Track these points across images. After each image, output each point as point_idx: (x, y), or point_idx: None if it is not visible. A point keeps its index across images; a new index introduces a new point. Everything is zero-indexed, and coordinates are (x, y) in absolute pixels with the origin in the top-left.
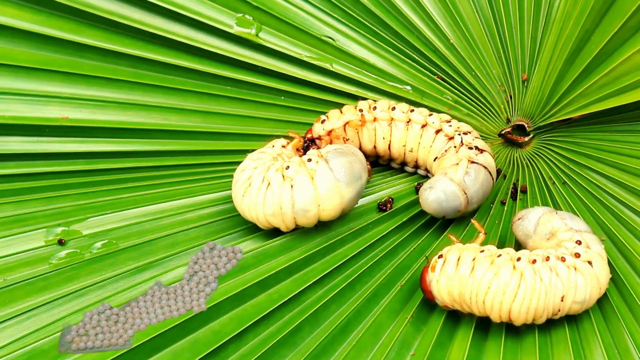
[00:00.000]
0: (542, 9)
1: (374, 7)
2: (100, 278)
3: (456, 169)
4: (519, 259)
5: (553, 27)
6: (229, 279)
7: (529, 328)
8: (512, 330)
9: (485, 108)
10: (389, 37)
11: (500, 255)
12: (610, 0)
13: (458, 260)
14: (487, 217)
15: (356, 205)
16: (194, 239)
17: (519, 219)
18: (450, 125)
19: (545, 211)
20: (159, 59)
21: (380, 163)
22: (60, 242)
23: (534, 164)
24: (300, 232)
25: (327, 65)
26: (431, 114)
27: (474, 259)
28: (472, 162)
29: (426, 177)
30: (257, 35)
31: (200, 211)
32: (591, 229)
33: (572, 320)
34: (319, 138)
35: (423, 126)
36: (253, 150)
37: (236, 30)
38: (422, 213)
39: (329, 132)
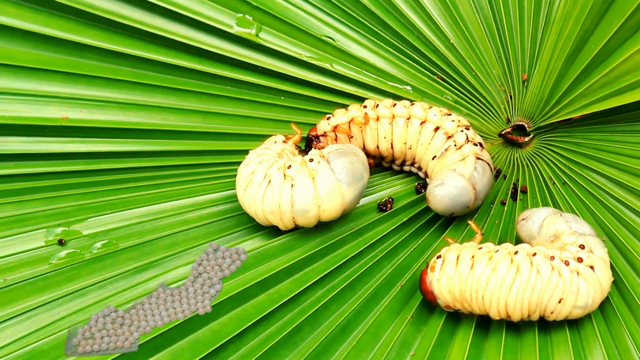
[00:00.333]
0: (542, 9)
1: (374, 7)
2: (100, 278)
3: (464, 164)
4: (516, 253)
5: (553, 27)
6: (230, 279)
7: (529, 328)
8: (513, 330)
9: (485, 108)
10: (389, 37)
11: (498, 251)
12: (609, 0)
13: (457, 258)
14: (487, 217)
15: (356, 206)
16: (194, 239)
17: (523, 219)
18: (453, 121)
19: (550, 213)
20: (159, 59)
21: (382, 165)
22: (61, 242)
23: (534, 164)
24: (300, 232)
25: (327, 65)
26: (431, 107)
27: (472, 257)
28: (478, 159)
29: (424, 179)
30: (257, 35)
31: (201, 211)
32: (595, 232)
33: (572, 320)
34: (324, 135)
35: (422, 123)
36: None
37: (236, 30)
38: (422, 213)
39: (335, 128)
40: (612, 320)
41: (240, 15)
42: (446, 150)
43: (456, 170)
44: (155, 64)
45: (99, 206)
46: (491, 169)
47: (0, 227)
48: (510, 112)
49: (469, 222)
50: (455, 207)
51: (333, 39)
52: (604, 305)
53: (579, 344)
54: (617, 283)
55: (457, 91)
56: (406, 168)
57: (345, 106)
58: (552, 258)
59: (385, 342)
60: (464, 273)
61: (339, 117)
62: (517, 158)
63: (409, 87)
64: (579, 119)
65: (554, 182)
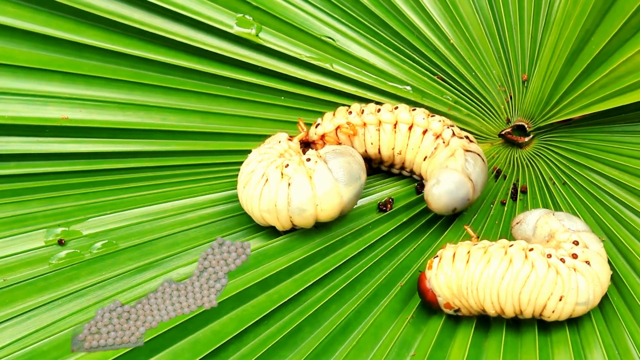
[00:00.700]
0: (542, 9)
1: (374, 7)
2: (100, 278)
3: (455, 158)
4: (511, 246)
5: (553, 28)
6: (230, 279)
7: (529, 328)
8: (512, 330)
9: (485, 108)
10: (389, 37)
11: (492, 245)
12: (610, 0)
13: (454, 255)
14: (487, 217)
15: (356, 206)
16: (194, 239)
17: (517, 223)
18: (439, 121)
19: (542, 213)
20: (159, 59)
21: (372, 166)
22: (60, 243)
23: (534, 165)
24: (300, 232)
25: (327, 66)
26: (414, 109)
27: (468, 252)
28: (467, 151)
29: (422, 180)
30: (257, 35)
31: (201, 211)
32: (589, 228)
33: (572, 320)
34: (314, 142)
35: (410, 127)
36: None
37: (236, 30)
38: (422, 213)
39: (322, 137)
40: (612, 320)
41: (240, 15)
42: (436, 148)
43: (448, 167)
44: (155, 64)
45: (99, 206)
46: (482, 159)
47: (0, 227)
48: (510, 112)
49: (465, 227)
50: (456, 201)
51: (333, 39)
52: (604, 305)
53: (579, 343)
54: (617, 283)
55: (457, 91)
56: (394, 171)
57: (347, 107)
58: (549, 256)
59: (385, 342)
60: (460, 267)
61: (326, 124)
62: (517, 158)
63: (409, 87)
64: (579, 119)
65: (554, 182)
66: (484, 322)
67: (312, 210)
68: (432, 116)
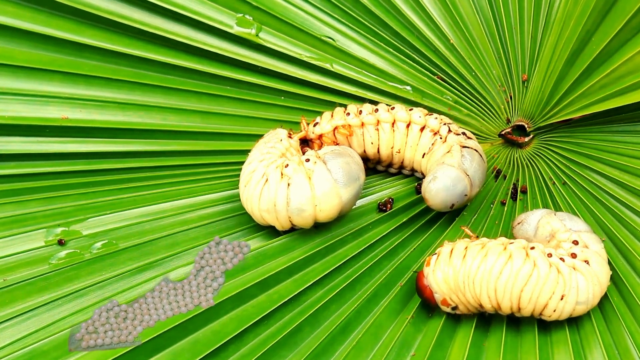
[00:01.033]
0: (542, 9)
1: (374, 7)
2: (100, 278)
3: (451, 154)
4: (511, 243)
5: (553, 28)
6: (230, 279)
7: (529, 328)
8: (513, 330)
9: (485, 108)
10: (389, 37)
11: (491, 242)
12: (611, 0)
13: (451, 251)
14: (487, 217)
15: (356, 206)
16: (194, 239)
17: (518, 223)
18: (435, 119)
19: (544, 213)
20: (159, 59)
21: (368, 167)
22: (60, 242)
23: (534, 165)
24: (300, 232)
25: (327, 66)
26: (411, 109)
27: (466, 248)
28: (464, 147)
29: (422, 178)
30: (257, 35)
31: (201, 211)
32: (590, 229)
33: (572, 320)
34: (311, 140)
35: (407, 125)
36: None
37: (236, 30)
38: (422, 213)
39: (320, 137)
40: (612, 319)
41: (240, 15)
42: (433, 144)
43: (445, 163)
44: (155, 64)
45: (99, 206)
46: (480, 155)
47: (0, 227)
48: (510, 112)
49: (463, 227)
50: (453, 197)
51: (333, 39)
52: (604, 305)
53: (579, 343)
54: (617, 283)
55: (457, 91)
56: (392, 170)
57: (345, 106)
58: (550, 255)
59: (385, 342)
60: (457, 263)
61: (324, 125)
62: (517, 158)
63: (409, 87)
64: (579, 119)
65: (554, 182)
66: (484, 322)
67: (311, 211)
68: (429, 114)
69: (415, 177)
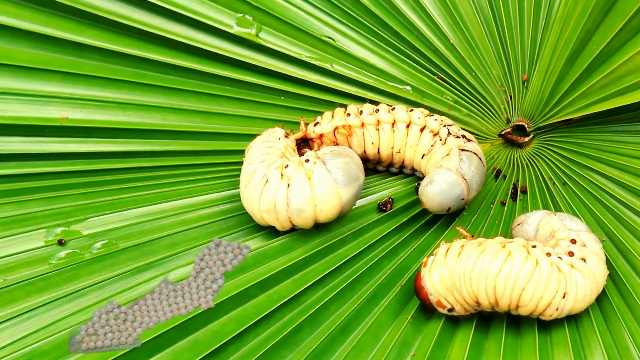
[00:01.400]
0: (542, 9)
1: (374, 7)
2: (100, 278)
3: (450, 158)
4: (511, 242)
5: (553, 28)
6: (230, 279)
7: (529, 328)
8: (513, 331)
9: (485, 108)
10: (389, 37)
11: (488, 241)
12: (611, 0)
13: (447, 251)
14: (487, 217)
15: (356, 206)
16: (194, 239)
17: (518, 224)
18: (435, 120)
19: (544, 214)
20: (159, 59)
21: (368, 167)
22: (60, 242)
23: (534, 165)
24: (300, 232)
25: (327, 65)
26: (412, 110)
27: (462, 246)
28: (463, 150)
29: (423, 178)
30: (257, 35)
31: (201, 211)
32: (590, 229)
33: (572, 320)
34: (312, 140)
35: (407, 125)
36: None
37: (236, 30)
38: (422, 213)
39: (320, 137)
40: (612, 320)
41: (240, 15)
42: (432, 146)
43: (442, 166)
44: (155, 64)
45: (98, 206)
46: (479, 158)
47: (0, 227)
48: (510, 112)
49: (458, 228)
50: (449, 201)
51: (333, 39)
52: (604, 305)
53: (579, 343)
54: (617, 283)
55: (457, 91)
56: (393, 170)
57: (345, 106)
58: (549, 254)
59: (385, 343)
60: (452, 261)
61: (324, 125)
62: (517, 158)
63: (409, 87)
64: (579, 119)
65: (554, 182)
66: (484, 322)
67: (311, 211)
68: (430, 115)
69: (416, 176)
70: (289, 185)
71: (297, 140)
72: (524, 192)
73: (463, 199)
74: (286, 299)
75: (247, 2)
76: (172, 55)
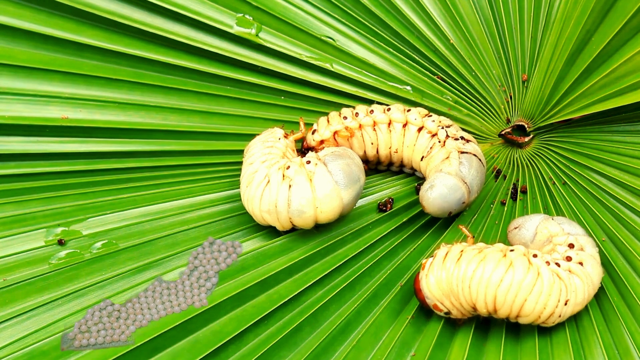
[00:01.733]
0: (542, 9)
1: (374, 7)
2: (100, 278)
3: (449, 162)
4: (512, 251)
5: (553, 28)
6: (229, 279)
7: (529, 328)
8: (513, 331)
9: (485, 108)
10: (389, 37)
11: (489, 248)
12: (611, 0)
13: (446, 255)
14: (487, 217)
15: (356, 206)
16: (194, 239)
17: (515, 228)
18: (433, 121)
19: (542, 218)
20: (159, 59)
21: (370, 167)
22: (60, 242)
23: (534, 165)
24: (300, 232)
25: (327, 65)
26: (409, 110)
27: (461, 251)
28: (462, 152)
29: (423, 178)
30: (257, 35)
31: (201, 211)
32: (586, 233)
33: (572, 320)
34: (313, 148)
35: (404, 125)
36: None
37: (236, 30)
38: (422, 213)
39: (320, 143)
40: (612, 320)
41: (240, 15)
42: (431, 148)
43: (442, 170)
44: (155, 64)
45: (98, 206)
46: (479, 159)
47: (0, 227)
48: (510, 112)
49: (460, 227)
50: (450, 205)
51: (333, 39)
52: (604, 305)
53: (578, 343)
54: (617, 283)
55: (457, 91)
56: (394, 169)
57: (345, 107)
58: (548, 263)
59: (385, 343)
60: (450, 266)
61: (323, 131)
62: (517, 158)
63: (409, 87)
64: (579, 119)
65: (554, 182)
66: (484, 323)
67: (311, 212)
68: (428, 116)
69: (416, 176)
70: (290, 186)
71: (296, 140)
72: (524, 192)
73: (464, 202)
74: (286, 299)
75: (247, 2)
76: (172, 55)
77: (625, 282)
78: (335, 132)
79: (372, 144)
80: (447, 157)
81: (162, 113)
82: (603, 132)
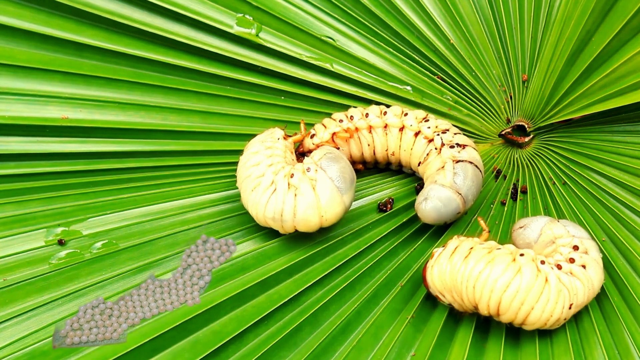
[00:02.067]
0: (543, 9)
1: (374, 7)
2: (100, 278)
3: (444, 173)
4: (522, 255)
5: (554, 28)
6: (229, 279)
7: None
8: (513, 332)
9: (485, 108)
10: (389, 37)
11: (499, 249)
12: (611, 1)
13: (456, 248)
14: (487, 217)
15: (356, 206)
16: (194, 239)
17: (520, 227)
18: (429, 127)
19: (547, 221)
20: (159, 59)
21: (368, 167)
22: (60, 242)
23: (534, 165)
24: (300, 233)
25: (327, 65)
26: (406, 114)
27: (471, 248)
28: (457, 161)
29: (422, 179)
30: (257, 35)
31: (201, 211)
32: (591, 237)
33: (572, 320)
34: (310, 152)
35: (401, 129)
36: None
37: (236, 30)
38: None
39: (318, 146)
40: (612, 320)
41: (240, 15)
42: (428, 154)
43: (437, 182)
44: (155, 64)
45: (99, 206)
46: (475, 166)
47: (0, 227)
48: (510, 112)
49: (478, 219)
50: (445, 217)
51: (333, 39)
52: (604, 305)
53: (579, 343)
54: (617, 283)
55: (457, 91)
56: (393, 167)
57: (345, 107)
58: (559, 267)
59: (386, 343)
60: (457, 261)
61: (321, 134)
62: (517, 158)
63: (409, 87)
64: (579, 119)
65: (554, 182)
66: (485, 323)
67: (316, 220)
68: (425, 120)
69: (416, 176)
70: (295, 195)
71: (295, 143)
72: (524, 192)
73: (459, 212)
74: (286, 299)
75: (247, 2)
76: (172, 55)
77: (626, 282)
78: (334, 134)
79: (368, 145)
80: (442, 167)
81: (162, 113)
82: (603, 132)
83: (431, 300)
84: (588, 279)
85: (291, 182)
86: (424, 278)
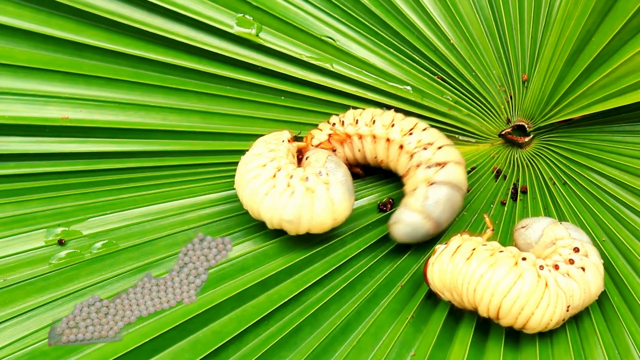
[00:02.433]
0: (543, 9)
1: (374, 7)
2: (100, 278)
3: (415, 197)
4: (524, 259)
5: (554, 28)
6: (229, 279)
7: None
8: (513, 332)
9: (485, 108)
10: (389, 37)
11: (502, 251)
12: (611, 1)
13: (459, 247)
14: None
15: (357, 206)
16: (193, 239)
17: (523, 227)
18: (410, 143)
19: (550, 222)
20: (159, 59)
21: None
22: (60, 242)
23: (534, 165)
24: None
25: (327, 66)
26: (394, 124)
27: (474, 249)
28: (431, 184)
29: None
30: (257, 35)
31: (201, 211)
32: (591, 242)
33: (572, 320)
34: (302, 152)
35: (387, 140)
36: None
37: (236, 30)
38: None
39: (317, 146)
40: (612, 320)
41: (240, 15)
42: (408, 170)
43: (407, 205)
44: (155, 64)
45: (99, 206)
46: (452, 186)
47: (0, 227)
48: (510, 112)
49: (484, 215)
50: (415, 239)
51: (333, 39)
52: (604, 305)
53: (579, 343)
54: (617, 283)
55: (457, 91)
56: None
57: (345, 107)
58: (556, 267)
59: (386, 343)
60: (459, 262)
61: (319, 136)
62: (517, 158)
63: (409, 87)
64: (579, 119)
65: (554, 182)
66: (485, 323)
67: (330, 222)
68: (409, 134)
69: None
70: (312, 198)
71: (300, 147)
72: (524, 192)
73: (430, 235)
74: (286, 299)
75: (247, 2)
76: (172, 55)
77: (626, 282)
78: (330, 135)
79: (359, 150)
80: (415, 188)
81: (162, 113)
82: (603, 132)
83: (431, 301)
84: (585, 282)
85: (307, 185)
86: (425, 274)
